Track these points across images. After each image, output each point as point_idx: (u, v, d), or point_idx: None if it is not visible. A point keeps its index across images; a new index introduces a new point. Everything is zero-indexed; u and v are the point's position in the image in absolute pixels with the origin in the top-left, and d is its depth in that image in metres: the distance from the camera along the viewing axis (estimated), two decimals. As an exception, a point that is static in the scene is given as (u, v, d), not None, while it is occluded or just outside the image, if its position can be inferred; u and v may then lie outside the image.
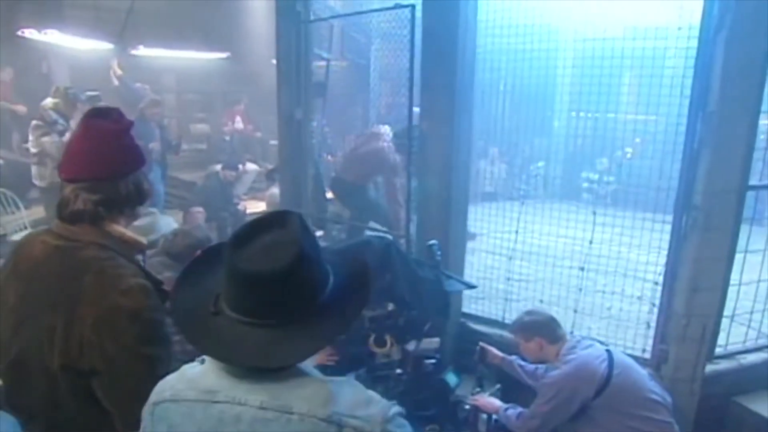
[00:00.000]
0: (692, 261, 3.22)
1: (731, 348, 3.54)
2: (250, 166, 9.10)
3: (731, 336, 3.52)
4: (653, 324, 3.47)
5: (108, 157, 1.61)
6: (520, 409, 3.02)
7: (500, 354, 3.37)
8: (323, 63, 4.92)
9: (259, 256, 1.10)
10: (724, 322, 3.41)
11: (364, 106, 6.18)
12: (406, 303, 3.13)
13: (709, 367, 3.39)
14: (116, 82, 8.33)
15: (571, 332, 3.26)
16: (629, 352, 3.49)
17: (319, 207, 4.92)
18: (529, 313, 3.19)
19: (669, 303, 3.35)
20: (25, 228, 6.16)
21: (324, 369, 2.66)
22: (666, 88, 3.59)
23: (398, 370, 3.09)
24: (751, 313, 3.55)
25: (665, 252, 3.38)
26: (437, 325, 3.28)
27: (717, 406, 3.43)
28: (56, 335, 1.51)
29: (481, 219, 4.27)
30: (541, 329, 3.03)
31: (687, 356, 3.29)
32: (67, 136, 5.84)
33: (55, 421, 1.57)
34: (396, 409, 1.12)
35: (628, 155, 6.66)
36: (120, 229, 1.65)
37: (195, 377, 1.18)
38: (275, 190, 6.54)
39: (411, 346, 3.12)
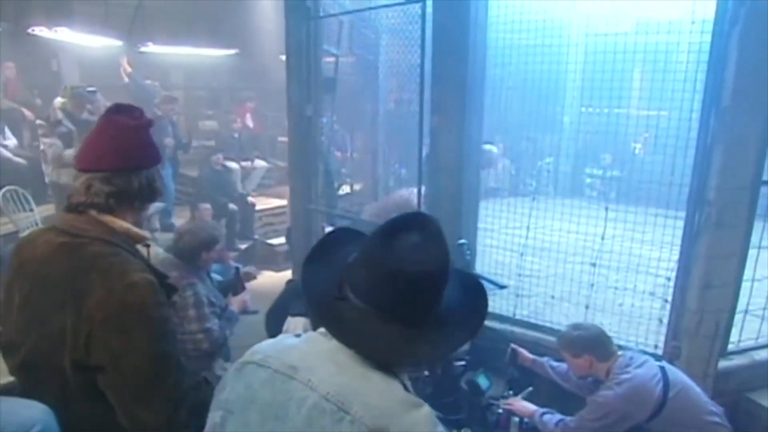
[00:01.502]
0: (705, 257, 3.20)
1: (744, 344, 3.52)
2: (259, 163, 9.14)
3: (744, 332, 3.50)
4: (665, 320, 3.46)
5: (125, 150, 1.64)
6: (559, 417, 2.93)
7: (531, 356, 3.30)
8: (332, 59, 4.92)
9: (406, 255, 1.12)
10: (737, 318, 3.40)
11: (373, 102, 6.17)
12: None
13: (722, 363, 3.38)
14: (126, 80, 8.36)
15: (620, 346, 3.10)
16: (641, 348, 3.49)
17: (328, 202, 4.93)
18: (576, 327, 3.03)
19: (681, 299, 3.34)
20: (37, 225, 6.21)
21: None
22: (678, 83, 3.55)
23: (426, 372, 3.03)
24: (764, 309, 3.53)
25: (677, 248, 3.36)
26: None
27: (729, 402, 3.41)
28: (66, 333, 1.52)
29: (491, 215, 4.26)
30: (591, 346, 2.90)
31: (699, 352, 3.28)
32: (74, 137, 5.90)
33: (68, 420, 1.58)
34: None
35: (637, 150, 6.64)
36: (125, 224, 1.67)
37: (285, 349, 1.21)
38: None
39: None
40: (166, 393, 1.59)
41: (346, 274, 1.20)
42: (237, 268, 4.21)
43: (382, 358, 1.14)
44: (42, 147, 6.21)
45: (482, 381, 3.15)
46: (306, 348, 1.20)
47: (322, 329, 1.20)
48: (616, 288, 4.03)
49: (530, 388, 3.23)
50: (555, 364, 3.24)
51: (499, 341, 3.50)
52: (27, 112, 7.69)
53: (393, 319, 1.14)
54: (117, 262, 1.58)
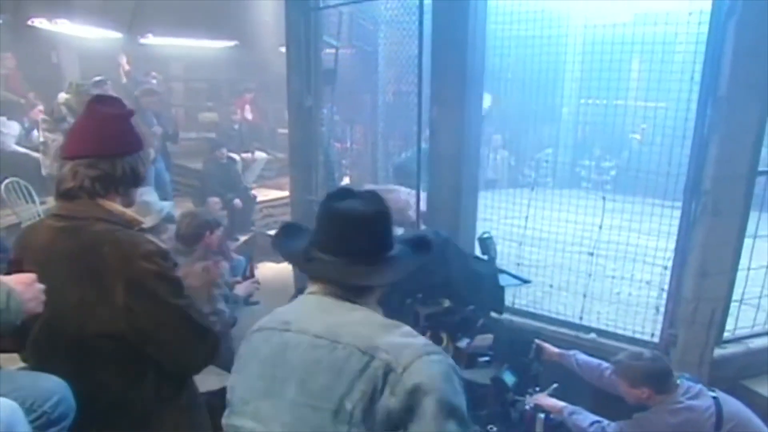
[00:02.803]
0: (701, 246, 3.24)
1: (739, 332, 3.56)
2: (259, 155, 9.14)
3: (739, 320, 3.54)
4: (662, 308, 3.50)
5: (108, 137, 1.73)
6: (593, 418, 2.85)
7: (557, 350, 3.22)
8: (332, 50, 4.93)
9: (354, 204, 1.40)
10: (733, 306, 3.44)
11: (372, 93, 6.18)
12: (462, 299, 3.03)
13: (718, 352, 3.42)
14: (125, 80, 8.33)
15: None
16: (638, 336, 3.54)
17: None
18: (638, 357, 2.82)
19: (678, 288, 3.37)
20: (39, 216, 6.23)
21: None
22: (675, 74, 3.59)
23: None
24: (760, 298, 3.57)
25: (674, 237, 3.40)
26: (489, 322, 3.16)
27: (725, 390, 3.45)
28: (92, 307, 1.60)
29: (490, 206, 4.29)
30: (652, 380, 2.72)
31: (695, 340, 3.32)
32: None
33: (88, 390, 1.64)
34: (437, 356, 1.24)
35: (636, 140, 6.67)
36: (120, 207, 1.75)
37: (278, 312, 1.44)
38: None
39: (463, 343, 2.97)
40: (201, 334, 1.76)
41: (310, 240, 1.45)
42: (249, 255, 4.24)
43: (347, 283, 1.37)
44: (42, 139, 6.22)
45: (508, 377, 3.07)
46: (296, 306, 1.44)
47: (305, 292, 1.44)
48: (613, 277, 4.08)
49: (555, 385, 3.13)
50: (582, 359, 3.15)
51: (522, 336, 3.44)
52: (36, 115, 7.67)
53: (351, 262, 1.38)
54: (124, 236, 1.67)
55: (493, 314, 3.33)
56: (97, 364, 1.66)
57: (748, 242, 3.30)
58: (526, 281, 3.50)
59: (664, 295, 3.49)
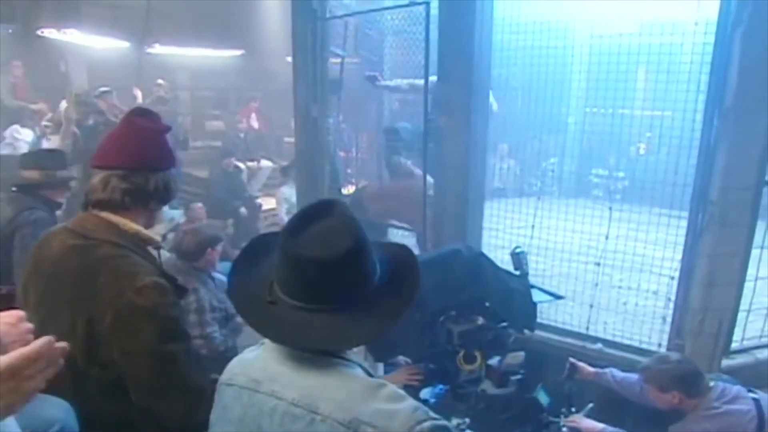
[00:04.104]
0: (708, 256, 3.23)
1: (747, 343, 3.54)
2: (265, 163, 9.17)
3: (747, 331, 3.52)
4: (669, 319, 3.48)
5: (144, 150, 1.71)
6: None
7: (592, 369, 3.10)
8: (338, 60, 4.95)
9: (315, 243, 1.14)
10: (740, 317, 3.42)
11: (378, 103, 6.20)
12: (496, 316, 2.93)
13: (725, 362, 3.40)
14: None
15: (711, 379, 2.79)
16: (645, 346, 3.52)
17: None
18: (664, 360, 2.76)
19: (685, 298, 3.36)
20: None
21: (406, 389, 2.51)
22: (682, 84, 3.59)
23: (481, 387, 2.88)
24: (768, 308, 3.56)
25: (681, 247, 3.39)
26: (520, 339, 3.09)
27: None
28: (78, 332, 1.57)
29: (496, 215, 4.29)
30: (681, 383, 2.63)
31: (703, 351, 3.30)
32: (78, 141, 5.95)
33: (87, 414, 1.62)
34: (429, 424, 1.07)
35: (641, 150, 6.66)
36: (135, 226, 1.71)
37: (248, 363, 1.26)
38: (284, 188, 6.60)
39: (494, 361, 2.89)
40: (178, 387, 1.64)
41: (275, 275, 1.22)
42: None
43: (321, 349, 1.16)
44: (46, 145, 6.27)
45: (542, 397, 2.96)
46: (264, 357, 1.23)
47: (266, 344, 1.24)
48: (620, 287, 4.06)
49: (591, 405, 3.00)
50: (620, 375, 3.04)
51: (553, 354, 3.42)
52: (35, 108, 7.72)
53: (318, 309, 1.16)
54: (125, 264, 1.62)
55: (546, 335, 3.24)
56: (92, 389, 1.64)
57: (755, 253, 3.29)
58: (559, 297, 3.41)
59: (671, 306, 3.47)
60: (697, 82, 3.25)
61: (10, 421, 1.32)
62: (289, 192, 6.51)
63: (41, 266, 1.71)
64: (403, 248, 1.34)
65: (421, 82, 4.03)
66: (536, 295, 3.22)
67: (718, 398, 2.60)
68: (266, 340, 1.24)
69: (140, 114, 1.77)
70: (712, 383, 2.69)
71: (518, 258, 3.23)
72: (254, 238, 1.42)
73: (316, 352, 1.16)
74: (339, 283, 1.16)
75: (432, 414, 1.11)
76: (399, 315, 1.19)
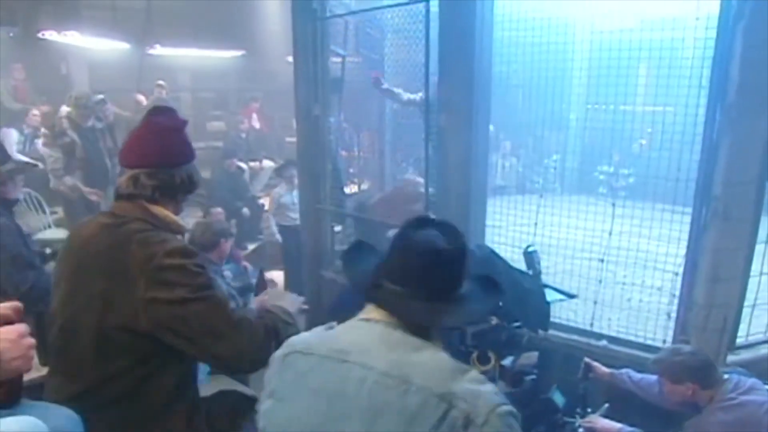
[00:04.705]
0: (712, 252, 3.22)
1: (752, 338, 3.53)
2: (267, 163, 9.16)
3: (752, 326, 3.50)
4: (674, 315, 3.47)
5: (167, 148, 1.87)
6: None
7: (608, 369, 3.10)
8: (339, 59, 4.94)
9: (432, 238, 1.33)
10: (745, 312, 3.41)
11: (380, 102, 6.19)
12: (510, 316, 2.89)
13: (731, 358, 3.39)
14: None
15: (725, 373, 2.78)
16: (650, 342, 3.51)
17: (337, 202, 4.96)
18: (677, 352, 2.75)
19: (689, 294, 3.35)
20: (49, 227, 6.27)
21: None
22: (684, 79, 3.58)
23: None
24: (773, 303, 3.54)
25: (684, 243, 3.38)
26: (533, 339, 3.05)
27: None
28: (112, 299, 1.68)
29: (498, 212, 4.29)
30: (695, 374, 2.63)
31: (708, 347, 3.28)
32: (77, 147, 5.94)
33: (100, 379, 1.73)
34: (507, 408, 1.20)
35: (642, 143, 6.65)
36: (166, 212, 1.87)
37: (328, 337, 1.36)
38: (278, 189, 6.60)
39: (507, 361, 2.84)
40: (232, 324, 1.75)
41: (380, 267, 1.38)
42: (261, 270, 4.25)
43: (414, 321, 1.30)
44: (42, 153, 6.27)
45: (557, 398, 2.96)
46: (351, 334, 1.34)
47: (359, 317, 1.36)
48: (624, 283, 4.06)
49: (607, 405, 2.98)
50: (637, 376, 3.03)
51: (574, 356, 3.38)
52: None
53: (420, 297, 1.31)
54: (155, 235, 1.77)
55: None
56: (113, 354, 1.72)
57: (759, 248, 3.28)
58: (572, 296, 3.38)
59: (676, 302, 3.46)
60: (699, 78, 3.23)
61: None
62: (281, 192, 6.49)
63: (75, 242, 1.86)
64: (488, 275, 1.54)
65: (417, 96, 4.08)
66: (549, 295, 3.19)
67: (732, 390, 2.59)
68: (348, 323, 1.37)
69: (159, 113, 1.94)
70: (726, 376, 2.68)
71: (531, 257, 3.21)
72: (353, 242, 1.71)
73: (407, 332, 1.28)
74: (442, 275, 1.33)
75: (504, 398, 1.24)
76: (482, 314, 1.48)
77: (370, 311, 1.35)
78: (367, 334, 1.30)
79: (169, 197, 1.88)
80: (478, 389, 1.20)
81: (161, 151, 1.86)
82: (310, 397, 1.27)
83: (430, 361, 1.24)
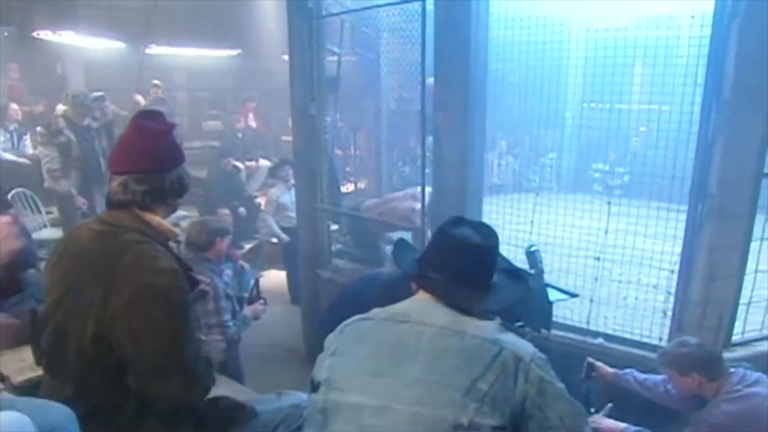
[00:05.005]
0: (708, 249, 3.23)
1: (748, 336, 3.54)
2: (263, 162, 9.16)
3: (747, 324, 3.52)
4: (669, 312, 3.48)
5: (156, 152, 1.84)
6: None
7: (611, 369, 3.10)
8: (335, 58, 4.94)
9: (469, 234, 1.57)
10: (741, 310, 3.41)
11: (376, 101, 6.19)
12: (513, 315, 2.87)
13: (727, 355, 3.38)
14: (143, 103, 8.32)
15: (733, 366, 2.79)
16: (646, 340, 3.52)
17: (333, 201, 4.96)
18: (683, 344, 2.78)
19: (685, 291, 3.36)
20: (45, 226, 6.26)
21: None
22: (679, 77, 3.58)
23: None
24: (768, 300, 3.55)
25: (680, 241, 3.38)
26: (537, 339, 2.96)
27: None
28: (95, 304, 1.67)
29: (495, 211, 4.29)
30: (701, 365, 2.66)
31: (704, 344, 3.30)
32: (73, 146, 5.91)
33: (84, 386, 1.73)
34: (545, 356, 1.47)
35: (636, 143, 6.66)
36: (157, 218, 1.84)
37: (390, 307, 1.58)
38: (273, 190, 6.58)
39: None
40: (180, 370, 1.73)
41: (424, 259, 1.63)
42: (257, 278, 4.26)
43: (459, 304, 1.52)
44: (37, 152, 6.23)
45: None
46: (408, 304, 1.58)
47: (412, 299, 1.60)
48: (620, 281, 4.06)
49: (610, 405, 2.95)
50: (642, 376, 3.04)
51: (579, 356, 3.34)
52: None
53: (460, 284, 1.54)
54: (149, 249, 1.75)
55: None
56: (93, 366, 1.71)
57: (754, 245, 3.29)
58: (574, 295, 3.38)
59: (672, 299, 3.47)
60: (694, 75, 3.24)
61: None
62: (278, 193, 6.48)
63: (69, 247, 1.85)
64: (513, 266, 1.87)
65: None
66: (551, 294, 3.19)
67: (738, 382, 2.61)
68: (405, 301, 1.60)
69: (146, 116, 1.90)
70: (732, 369, 2.70)
71: (533, 256, 3.22)
72: (399, 240, 2.01)
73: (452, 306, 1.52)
74: (483, 265, 1.59)
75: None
76: (513, 299, 1.63)
77: (420, 294, 1.58)
78: (422, 304, 1.55)
79: (161, 202, 1.85)
80: (519, 340, 1.48)
81: (150, 156, 1.82)
82: (370, 348, 1.49)
83: (477, 320, 1.49)
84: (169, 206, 1.90)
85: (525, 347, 1.45)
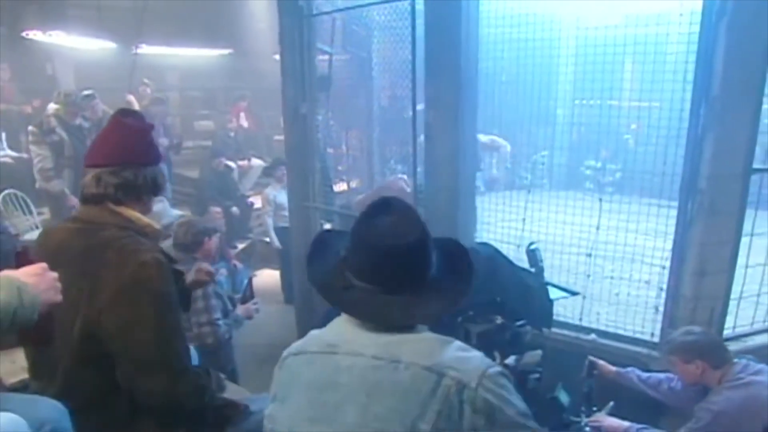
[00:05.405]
0: (698, 245, 3.25)
1: (739, 330, 3.57)
2: (255, 162, 9.14)
3: (739, 318, 3.54)
4: (661, 308, 3.50)
5: (131, 147, 1.84)
6: None
7: (613, 368, 3.11)
8: (326, 57, 4.94)
9: (389, 234, 1.31)
10: (732, 304, 3.44)
11: (367, 99, 6.19)
12: (514, 314, 2.87)
13: (719, 350, 3.42)
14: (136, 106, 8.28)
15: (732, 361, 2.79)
16: (638, 336, 3.54)
17: (326, 200, 4.95)
18: (688, 332, 2.82)
19: (677, 287, 3.39)
20: (36, 227, 6.22)
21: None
22: (668, 74, 3.60)
23: None
24: (758, 295, 3.58)
25: (671, 237, 3.41)
26: (537, 337, 3.02)
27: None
28: (81, 302, 1.66)
29: (487, 209, 4.30)
30: (704, 352, 2.70)
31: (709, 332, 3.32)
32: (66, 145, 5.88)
33: (70, 386, 1.73)
34: (497, 369, 1.26)
35: (627, 140, 6.68)
36: (136, 213, 1.84)
37: (316, 336, 1.40)
38: (269, 190, 6.57)
39: (511, 360, 2.81)
40: (167, 363, 1.74)
41: (345, 263, 1.38)
42: (250, 278, 4.26)
43: (392, 324, 1.31)
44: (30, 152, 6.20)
45: (563, 396, 2.90)
46: (336, 329, 1.38)
47: (342, 315, 1.38)
48: (612, 278, 4.08)
49: (612, 403, 2.95)
50: (644, 374, 3.06)
51: (571, 352, 3.40)
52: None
53: (390, 291, 1.32)
54: (130, 242, 1.74)
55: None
56: (83, 361, 1.71)
57: (744, 240, 3.31)
58: (575, 293, 3.40)
59: (663, 295, 3.49)
60: (684, 72, 3.26)
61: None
62: (274, 193, 6.48)
63: (47, 248, 1.81)
64: (453, 241, 1.50)
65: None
66: (552, 292, 3.20)
67: (741, 371, 2.65)
68: (333, 321, 1.40)
69: (126, 114, 1.92)
70: (735, 359, 2.74)
71: (533, 254, 3.22)
72: (317, 236, 1.60)
73: (382, 325, 1.31)
74: (410, 268, 1.33)
75: (491, 360, 1.30)
76: (460, 299, 1.38)
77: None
78: (351, 328, 1.34)
79: (134, 197, 1.84)
80: (466, 356, 1.26)
81: (124, 148, 1.83)
82: (305, 392, 1.32)
83: (415, 339, 1.29)
84: (143, 203, 1.88)
85: (470, 369, 1.23)
